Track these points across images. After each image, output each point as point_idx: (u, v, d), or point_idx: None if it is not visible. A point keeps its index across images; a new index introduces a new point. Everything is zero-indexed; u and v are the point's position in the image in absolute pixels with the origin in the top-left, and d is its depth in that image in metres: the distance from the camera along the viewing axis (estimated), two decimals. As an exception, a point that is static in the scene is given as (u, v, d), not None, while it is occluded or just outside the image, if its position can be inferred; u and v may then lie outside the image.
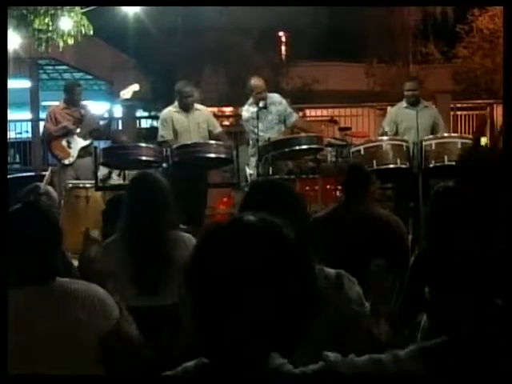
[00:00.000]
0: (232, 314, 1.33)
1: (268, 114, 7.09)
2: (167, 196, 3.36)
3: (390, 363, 1.38)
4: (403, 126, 7.19)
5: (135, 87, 7.64)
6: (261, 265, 1.33)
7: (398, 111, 7.35)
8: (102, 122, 7.98)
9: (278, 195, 2.35)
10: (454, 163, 6.23)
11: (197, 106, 7.16)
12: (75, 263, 6.08)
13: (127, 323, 2.50)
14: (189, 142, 6.56)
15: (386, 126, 7.33)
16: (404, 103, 7.29)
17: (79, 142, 7.61)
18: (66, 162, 7.55)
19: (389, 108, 7.69)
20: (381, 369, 1.37)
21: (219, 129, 7.28)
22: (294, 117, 7.42)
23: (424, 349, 1.40)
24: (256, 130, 6.89)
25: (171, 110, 7.09)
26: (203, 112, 7.21)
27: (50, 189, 4.05)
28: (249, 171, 7.02)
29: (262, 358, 1.35)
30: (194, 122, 7.01)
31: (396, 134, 7.18)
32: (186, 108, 7.01)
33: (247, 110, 7.17)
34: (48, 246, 2.45)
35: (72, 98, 7.75)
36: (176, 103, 7.08)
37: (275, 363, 1.35)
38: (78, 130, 7.61)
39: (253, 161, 7.03)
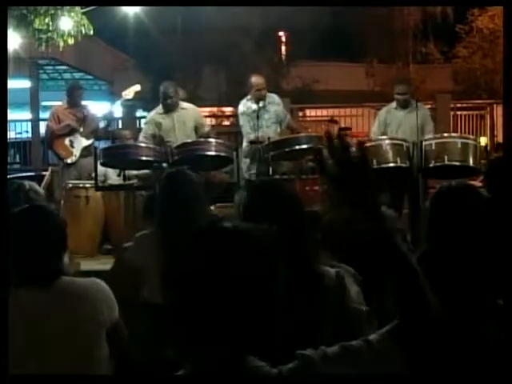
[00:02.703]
0: (205, 316, 1.34)
1: (265, 113, 7.07)
2: (201, 192, 3.36)
3: (363, 348, 1.38)
4: (392, 128, 7.16)
5: (137, 88, 7.63)
6: (233, 269, 1.35)
7: (388, 113, 7.32)
8: (101, 123, 8.00)
9: (274, 195, 2.35)
10: (454, 163, 6.23)
11: (183, 104, 7.05)
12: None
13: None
14: (189, 141, 6.52)
15: (375, 131, 7.31)
16: (394, 104, 7.27)
17: (82, 142, 7.62)
18: (69, 161, 7.56)
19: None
20: (353, 354, 1.37)
21: (207, 128, 7.24)
22: (288, 118, 7.45)
23: (392, 330, 1.41)
24: (249, 125, 6.92)
25: (154, 114, 7.02)
26: (189, 111, 7.08)
27: (35, 184, 4.05)
28: (245, 173, 6.99)
29: (237, 360, 1.36)
30: (179, 122, 6.90)
31: (384, 135, 7.15)
32: (169, 109, 6.93)
33: (244, 104, 7.13)
34: (54, 247, 2.46)
35: (73, 100, 7.77)
36: (160, 105, 7.02)
37: (253, 365, 1.36)
38: (81, 130, 7.62)
39: (246, 161, 7.01)
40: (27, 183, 3.83)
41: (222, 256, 1.36)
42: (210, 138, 6.81)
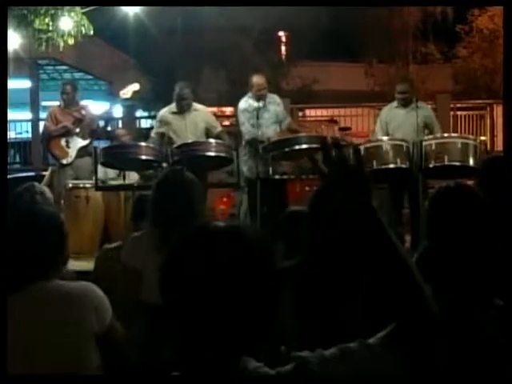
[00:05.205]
0: (199, 317, 1.35)
1: (266, 112, 7.08)
2: (198, 193, 3.32)
3: (362, 351, 1.38)
4: (392, 126, 7.17)
5: (135, 87, 7.64)
6: (225, 268, 1.35)
7: (389, 111, 7.34)
8: (101, 123, 8.00)
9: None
10: (454, 163, 6.23)
11: (195, 106, 7.14)
12: (76, 263, 6.11)
13: (116, 321, 2.53)
14: (189, 141, 6.55)
15: (378, 131, 7.32)
16: (395, 103, 7.30)
17: (78, 142, 7.62)
18: (64, 161, 7.56)
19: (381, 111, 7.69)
20: (350, 358, 1.37)
21: (219, 128, 7.25)
22: (288, 120, 7.47)
23: (391, 333, 1.41)
24: (250, 122, 6.95)
25: (167, 111, 7.12)
26: (201, 112, 7.19)
27: (46, 188, 4.04)
28: (245, 172, 6.99)
29: (233, 361, 1.35)
30: (191, 123, 6.99)
31: (386, 133, 7.17)
32: (182, 109, 7.01)
33: (245, 102, 7.15)
34: (47, 249, 2.44)
35: (68, 100, 7.76)
36: (174, 104, 7.09)
37: (251, 366, 1.36)
38: (78, 130, 7.61)
39: (246, 160, 7.01)
40: (39, 187, 3.82)
41: (214, 256, 1.36)
42: (222, 138, 6.87)
